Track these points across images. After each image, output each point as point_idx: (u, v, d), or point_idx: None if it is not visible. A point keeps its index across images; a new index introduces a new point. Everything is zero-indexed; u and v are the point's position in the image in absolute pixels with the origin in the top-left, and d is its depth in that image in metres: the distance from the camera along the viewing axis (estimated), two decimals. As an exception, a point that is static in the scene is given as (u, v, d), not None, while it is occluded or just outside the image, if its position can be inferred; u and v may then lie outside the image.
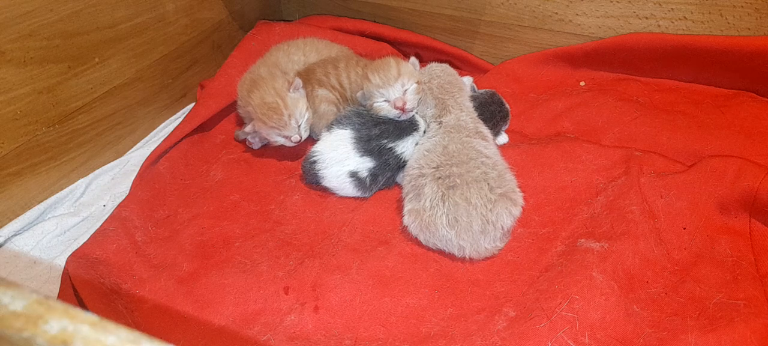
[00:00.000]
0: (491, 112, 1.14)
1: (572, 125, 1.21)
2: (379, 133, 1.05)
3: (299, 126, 1.12)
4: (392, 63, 1.09)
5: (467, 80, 1.18)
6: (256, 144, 1.24)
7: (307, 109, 1.14)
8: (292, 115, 1.10)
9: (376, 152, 1.04)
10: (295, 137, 1.12)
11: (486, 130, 1.06)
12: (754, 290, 0.81)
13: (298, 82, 1.14)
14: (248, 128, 1.17)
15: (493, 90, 1.20)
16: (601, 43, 1.30)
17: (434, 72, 1.13)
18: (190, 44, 1.39)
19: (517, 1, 1.36)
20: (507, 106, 1.18)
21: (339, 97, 1.20)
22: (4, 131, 0.99)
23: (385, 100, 1.07)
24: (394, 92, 1.05)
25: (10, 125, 0.99)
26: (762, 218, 0.92)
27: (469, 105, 1.10)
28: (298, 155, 1.21)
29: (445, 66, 1.17)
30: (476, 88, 1.20)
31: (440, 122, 1.05)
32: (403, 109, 1.05)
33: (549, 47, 1.38)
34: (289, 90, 1.12)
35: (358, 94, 1.12)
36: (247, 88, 1.17)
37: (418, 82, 1.08)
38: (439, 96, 1.08)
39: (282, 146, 1.16)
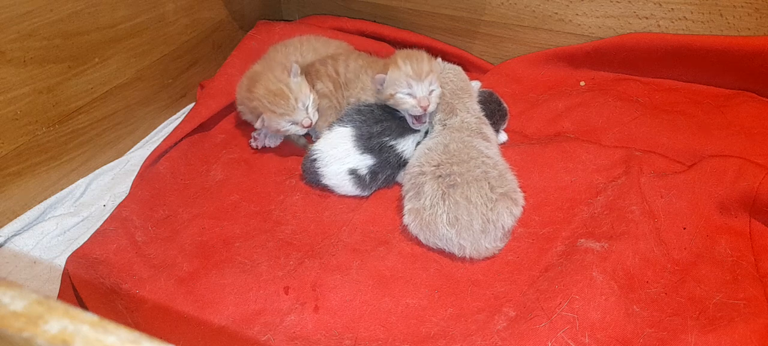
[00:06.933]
0: (491, 110, 1.14)
1: (572, 125, 1.21)
2: (381, 131, 1.05)
3: (306, 108, 1.11)
4: (425, 56, 1.03)
5: (476, 85, 1.17)
6: (261, 141, 1.23)
7: (311, 91, 1.13)
8: (298, 98, 1.10)
9: (377, 150, 1.04)
10: (306, 121, 1.10)
11: (489, 131, 1.06)
12: (754, 290, 0.81)
13: (296, 67, 1.13)
14: (258, 123, 1.13)
15: (491, 90, 1.21)
16: (601, 43, 1.30)
17: (447, 76, 1.11)
18: (190, 44, 1.39)
19: (517, 1, 1.36)
20: (505, 105, 1.19)
21: (332, 88, 1.18)
22: (4, 131, 0.99)
23: (409, 94, 1.00)
24: (423, 89, 0.99)
25: (10, 125, 0.99)
26: (762, 218, 0.92)
27: (477, 107, 1.09)
28: (299, 155, 1.21)
29: (458, 70, 1.15)
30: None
31: (445, 124, 1.05)
32: (425, 110, 1.00)
33: (549, 47, 1.38)
34: (289, 76, 1.12)
35: (377, 76, 1.04)
36: (246, 86, 1.16)
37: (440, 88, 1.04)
38: (450, 101, 1.07)
39: (282, 146, 1.16)
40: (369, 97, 1.13)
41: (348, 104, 1.17)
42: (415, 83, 1.00)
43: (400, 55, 1.05)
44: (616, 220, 0.92)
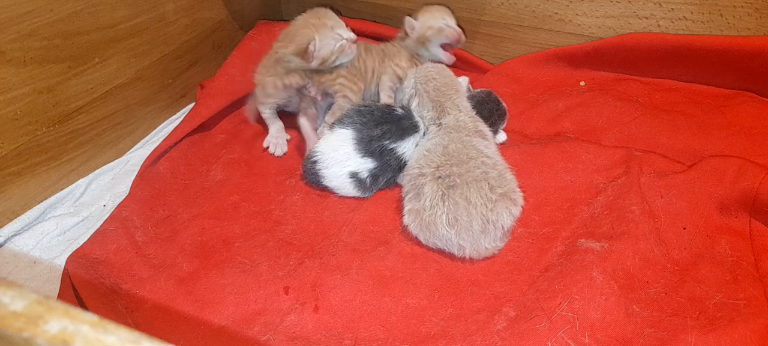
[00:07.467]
0: (489, 110, 1.14)
1: (572, 125, 1.21)
2: (381, 134, 1.05)
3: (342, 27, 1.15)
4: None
5: (463, 80, 1.18)
6: (282, 147, 1.23)
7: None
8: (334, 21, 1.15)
9: (378, 153, 1.04)
10: (348, 34, 1.15)
11: (486, 129, 1.05)
12: (754, 290, 0.81)
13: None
14: (310, 47, 1.11)
15: (490, 89, 1.21)
16: (601, 43, 1.30)
17: (430, 74, 1.11)
18: (190, 44, 1.39)
19: (517, 1, 1.36)
20: (504, 104, 1.19)
21: (362, 49, 1.23)
22: (4, 131, 0.99)
23: (446, 24, 1.25)
24: (453, 23, 1.26)
25: (10, 125, 0.99)
26: (762, 218, 0.92)
27: (467, 105, 1.09)
28: (299, 155, 1.21)
29: (441, 67, 1.15)
30: (471, 88, 1.20)
31: (439, 124, 1.05)
32: (458, 39, 1.25)
33: (549, 47, 1.38)
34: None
35: (406, 19, 1.25)
36: (274, 49, 1.18)
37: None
38: (436, 99, 1.07)
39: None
40: (404, 64, 1.26)
41: (379, 79, 1.25)
42: (448, 17, 1.26)
43: (423, 8, 1.28)
44: (616, 220, 0.92)
